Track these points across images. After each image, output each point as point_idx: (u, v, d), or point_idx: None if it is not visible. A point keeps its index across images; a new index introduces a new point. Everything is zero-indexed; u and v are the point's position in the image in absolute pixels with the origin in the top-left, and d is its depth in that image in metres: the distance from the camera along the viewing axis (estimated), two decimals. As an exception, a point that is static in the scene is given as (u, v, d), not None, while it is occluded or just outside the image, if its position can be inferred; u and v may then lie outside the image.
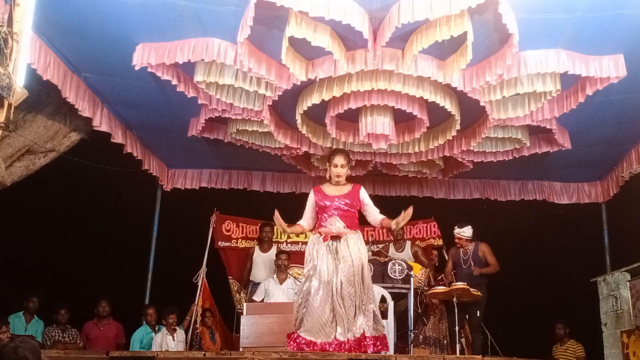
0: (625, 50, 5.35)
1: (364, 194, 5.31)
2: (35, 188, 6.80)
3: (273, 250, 8.20)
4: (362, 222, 5.47)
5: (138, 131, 7.39)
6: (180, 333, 7.34)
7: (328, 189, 5.30)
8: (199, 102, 6.18)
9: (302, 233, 5.49)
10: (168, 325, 7.26)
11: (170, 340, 7.16)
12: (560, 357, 7.71)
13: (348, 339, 4.94)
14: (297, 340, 5.01)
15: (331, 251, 5.08)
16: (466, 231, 7.28)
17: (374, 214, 5.32)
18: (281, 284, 7.54)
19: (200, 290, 7.83)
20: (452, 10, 4.61)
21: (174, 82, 5.80)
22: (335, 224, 5.12)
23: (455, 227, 7.36)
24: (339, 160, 5.23)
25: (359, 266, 5.08)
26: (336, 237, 5.10)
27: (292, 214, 5.60)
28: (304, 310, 5.07)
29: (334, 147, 6.88)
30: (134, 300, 8.19)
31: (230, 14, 4.94)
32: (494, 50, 5.35)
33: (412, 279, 6.60)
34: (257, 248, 8.29)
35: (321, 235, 5.13)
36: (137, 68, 5.45)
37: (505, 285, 7.78)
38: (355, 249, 5.12)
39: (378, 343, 5.06)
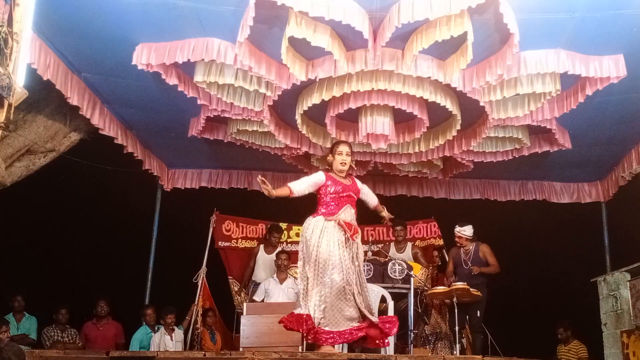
0: (625, 50, 5.35)
1: (361, 184, 5.41)
2: (35, 188, 6.80)
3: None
4: (361, 221, 5.48)
5: (138, 131, 7.39)
6: (178, 333, 7.34)
7: (336, 177, 5.21)
8: (199, 102, 6.17)
9: (287, 196, 5.22)
10: (166, 325, 7.27)
11: (169, 340, 7.17)
12: (563, 357, 7.70)
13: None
14: (317, 334, 4.85)
15: (350, 247, 5.05)
16: (467, 230, 7.28)
17: (373, 198, 5.52)
18: (281, 283, 7.53)
19: (200, 290, 7.83)
20: (452, 10, 4.61)
21: (174, 81, 5.80)
22: (352, 215, 5.16)
23: (456, 226, 7.36)
24: (344, 148, 5.21)
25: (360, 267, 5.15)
26: (353, 233, 5.08)
27: (293, 213, 5.60)
28: (323, 305, 4.85)
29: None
30: (133, 300, 8.19)
31: (230, 14, 4.94)
32: (494, 50, 5.35)
33: (412, 279, 6.59)
34: (262, 248, 8.27)
35: (343, 229, 5.00)
36: (138, 67, 5.45)
37: (505, 286, 7.78)
38: (361, 249, 5.23)
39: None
